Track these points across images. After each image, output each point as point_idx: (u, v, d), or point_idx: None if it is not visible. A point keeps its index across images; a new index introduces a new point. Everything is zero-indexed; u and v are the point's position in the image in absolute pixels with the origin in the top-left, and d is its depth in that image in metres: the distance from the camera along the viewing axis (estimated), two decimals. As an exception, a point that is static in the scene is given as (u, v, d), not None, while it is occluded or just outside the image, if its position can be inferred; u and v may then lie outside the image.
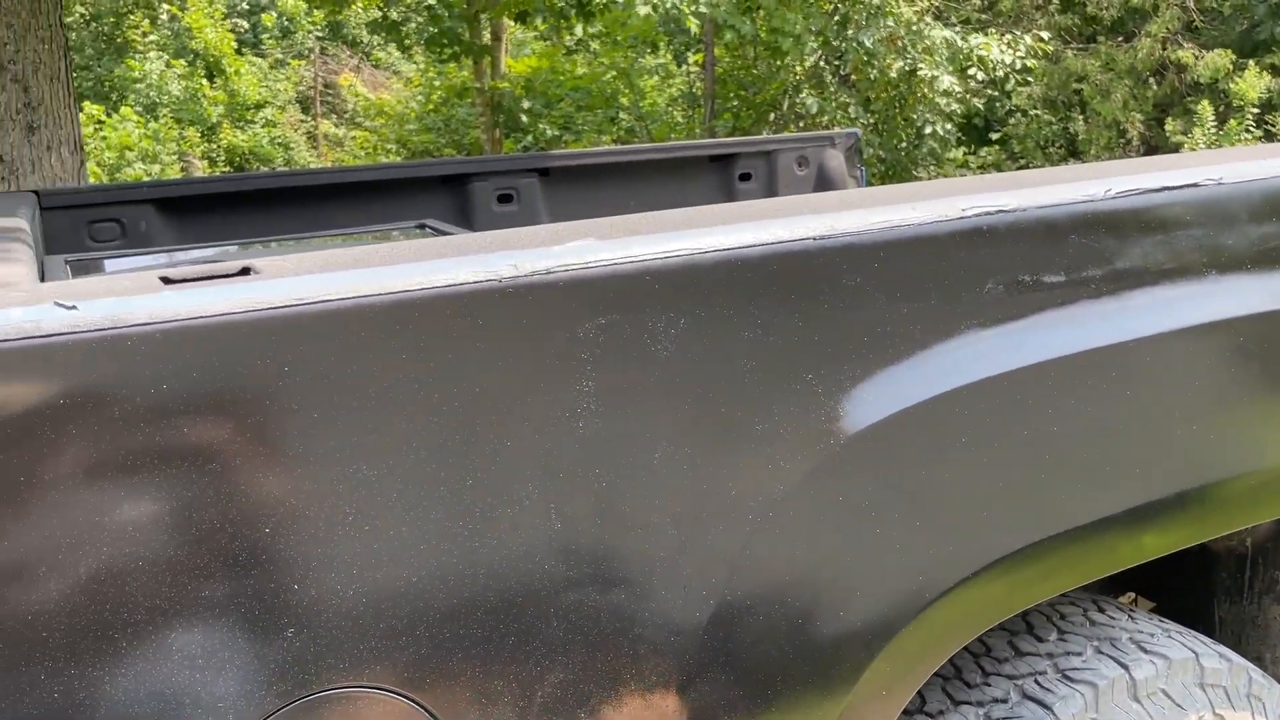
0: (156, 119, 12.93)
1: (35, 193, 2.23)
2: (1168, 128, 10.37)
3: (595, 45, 13.01)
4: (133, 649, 0.73)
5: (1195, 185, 1.18)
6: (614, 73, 12.50)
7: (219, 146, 13.40)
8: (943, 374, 1.01)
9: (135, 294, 0.73)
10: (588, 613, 0.87)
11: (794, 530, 0.95)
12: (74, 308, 0.70)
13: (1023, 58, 9.47)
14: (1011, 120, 11.30)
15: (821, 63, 9.91)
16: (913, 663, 1.01)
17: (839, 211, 1.01)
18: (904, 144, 9.90)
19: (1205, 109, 10.12)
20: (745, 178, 2.99)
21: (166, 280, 0.77)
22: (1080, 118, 10.82)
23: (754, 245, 0.94)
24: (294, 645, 0.76)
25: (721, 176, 2.98)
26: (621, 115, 13.48)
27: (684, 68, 13.86)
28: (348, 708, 0.79)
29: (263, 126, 13.77)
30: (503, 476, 0.83)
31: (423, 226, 2.33)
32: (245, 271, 0.81)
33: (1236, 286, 1.19)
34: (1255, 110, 10.20)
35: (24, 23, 3.92)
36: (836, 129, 3.13)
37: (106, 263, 2.06)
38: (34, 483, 0.69)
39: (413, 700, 0.81)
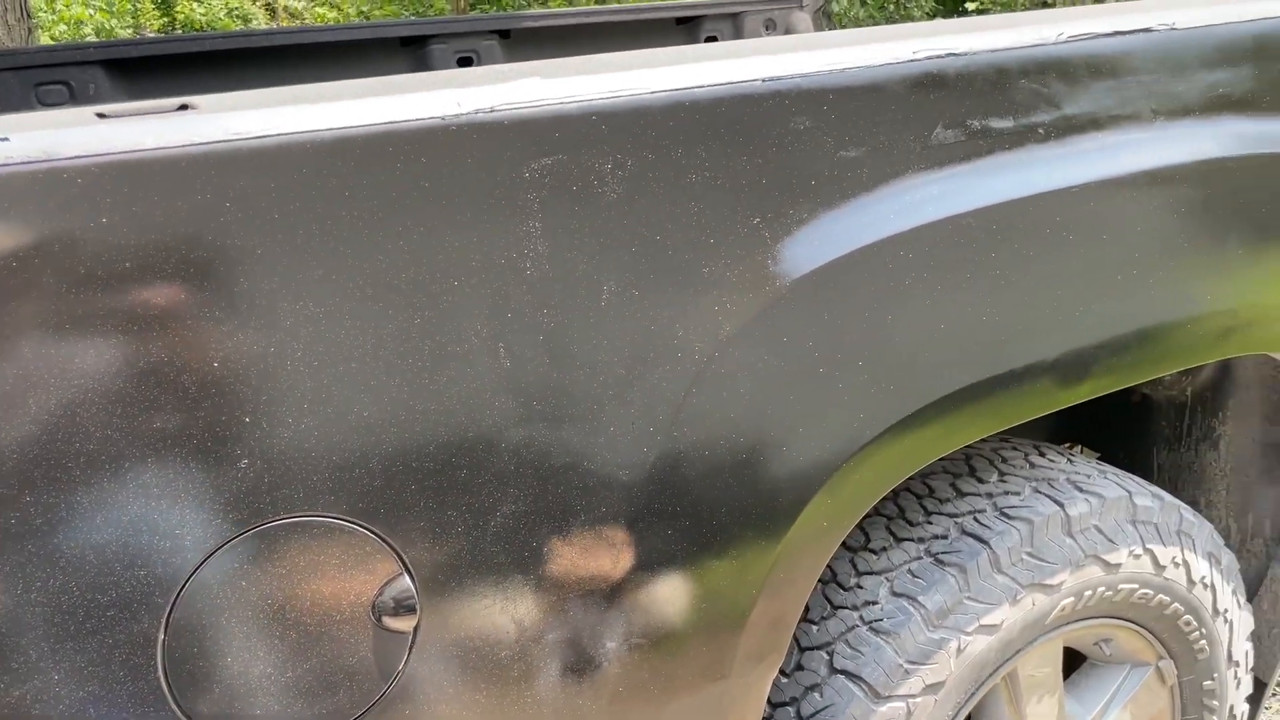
0: (109, -11, 12.40)
1: (-24, 53, 2.16)
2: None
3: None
4: (85, 482, 0.75)
5: (1148, 30, 1.18)
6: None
7: (175, 20, 12.91)
8: (889, 218, 1.02)
9: (70, 127, 0.73)
10: (538, 448, 0.90)
11: (739, 371, 0.97)
12: (6, 139, 0.69)
13: None
14: (990, -13, 11.02)
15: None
16: (851, 498, 1.05)
17: (789, 53, 1.00)
18: (890, 3, 9.67)
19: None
20: (711, 39, 2.93)
21: (101, 115, 0.76)
22: (1059, -16, 10.55)
23: (703, 86, 0.94)
24: (248, 476, 0.79)
25: (688, 39, 2.92)
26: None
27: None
28: (303, 536, 0.82)
29: (219, -2, 13.25)
30: (451, 315, 0.85)
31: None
32: (183, 108, 0.80)
33: (1185, 133, 1.20)
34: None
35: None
36: (806, -10, 3.06)
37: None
38: (-22, 316, 0.70)
39: (367, 528, 0.84)
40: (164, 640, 0.79)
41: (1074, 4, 9.84)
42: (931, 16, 10.35)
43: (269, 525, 0.81)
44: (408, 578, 0.86)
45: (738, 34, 2.95)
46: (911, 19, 9.84)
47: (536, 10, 2.75)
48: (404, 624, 0.87)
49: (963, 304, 1.06)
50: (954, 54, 1.06)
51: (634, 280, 0.92)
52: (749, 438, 0.99)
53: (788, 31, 3.01)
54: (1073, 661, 1.47)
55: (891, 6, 9.44)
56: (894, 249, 1.02)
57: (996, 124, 1.09)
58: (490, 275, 0.86)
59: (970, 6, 11.20)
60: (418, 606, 0.87)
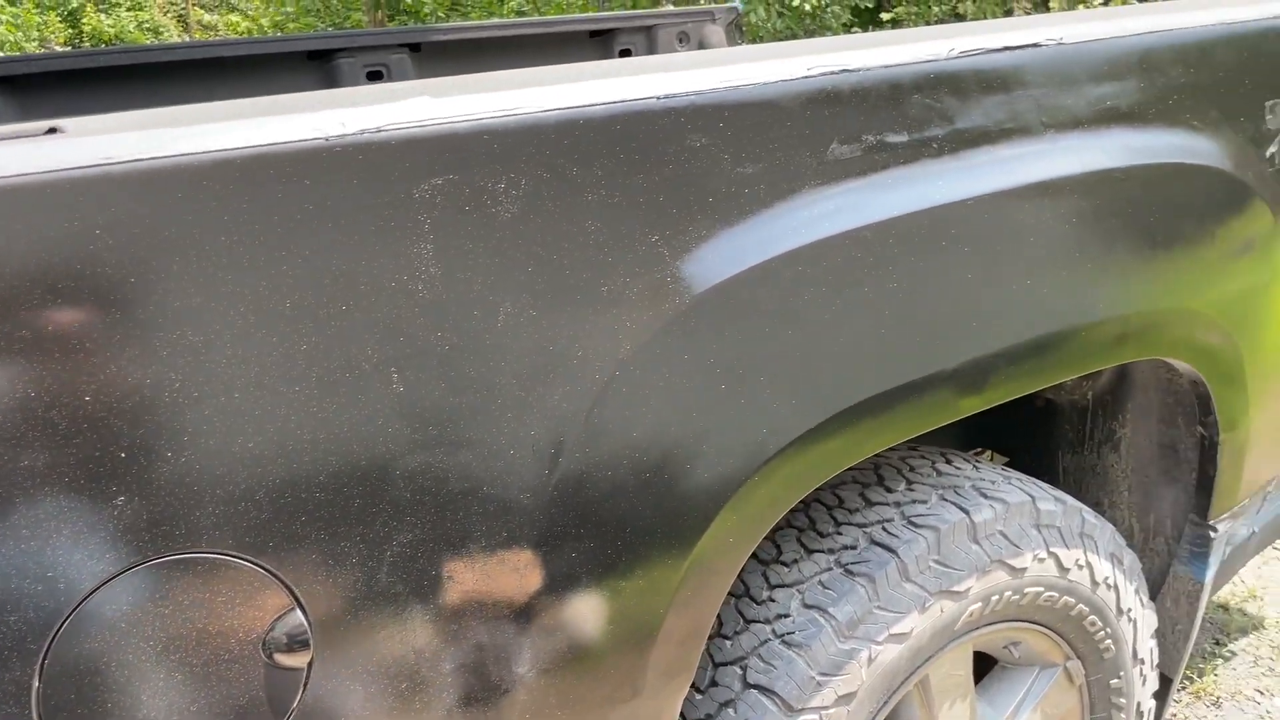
0: (15, 4, 11.99)
1: None
2: (1052, 4, 10.49)
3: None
4: (-47, 522, 0.71)
5: (1037, 45, 1.21)
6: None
7: (82, 33, 12.54)
8: (787, 234, 1.03)
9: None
10: (435, 474, 0.88)
11: (641, 389, 0.96)
12: None
13: None
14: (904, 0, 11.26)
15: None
16: (757, 513, 1.05)
17: (685, 71, 1.00)
18: (808, 14, 9.80)
19: (1091, -13, 10.25)
20: (625, 53, 2.94)
21: (-39, 140, 0.73)
22: (970, -2, 10.84)
23: (597, 104, 0.94)
24: (125, 513, 0.75)
25: (601, 52, 2.92)
26: (511, -5, 13.02)
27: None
28: (187, 574, 0.79)
29: (129, 10, 12.90)
30: (340, 341, 0.82)
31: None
32: (52, 131, 0.77)
33: (1076, 145, 1.23)
34: (1137, -11, 10.39)
35: None
36: (717, 4, 3.08)
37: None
38: None
39: (255, 562, 0.81)
40: (39, 688, 0.75)
41: (1025, 13, 10.07)
42: (848, 28, 10.54)
43: (149, 564, 0.77)
44: (300, 612, 0.83)
45: (651, 47, 2.96)
46: (829, 31, 10.01)
47: (448, 24, 2.73)
48: (297, 660, 0.84)
49: (862, 317, 1.07)
50: (847, 70, 1.07)
51: (531, 300, 0.91)
52: (653, 456, 0.98)
53: (701, 44, 3.03)
54: (984, 665, 1.50)
55: (809, 20, 9.57)
56: (793, 264, 1.03)
57: (892, 139, 1.10)
58: (381, 298, 0.84)
59: (885, 18, 11.44)
60: (311, 641, 0.84)
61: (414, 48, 2.60)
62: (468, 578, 0.91)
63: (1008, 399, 1.24)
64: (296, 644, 0.84)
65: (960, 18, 10.97)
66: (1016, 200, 1.17)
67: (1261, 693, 2.22)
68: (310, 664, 0.85)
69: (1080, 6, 9.90)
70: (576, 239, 0.93)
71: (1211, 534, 1.56)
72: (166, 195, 0.75)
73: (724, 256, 1.00)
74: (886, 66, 1.10)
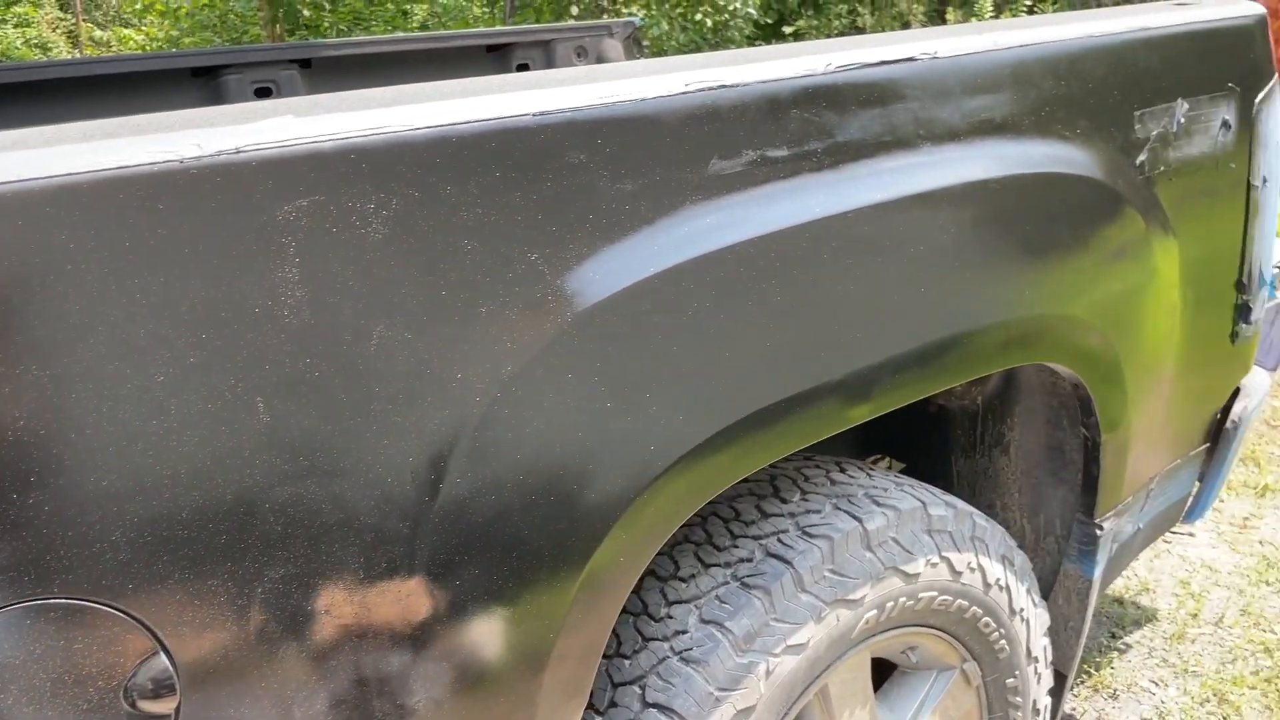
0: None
1: None
2: (948, 18, 10.81)
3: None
4: None
5: (912, 59, 1.23)
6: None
7: (-37, 47, 12.03)
8: (669, 250, 1.02)
9: None
10: (307, 506, 0.85)
11: (525, 410, 0.95)
12: None
13: None
14: (806, 13, 11.49)
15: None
16: (648, 530, 1.04)
17: (560, 87, 1.00)
18: (710, 29, 9.90)
19: (985, 0, 10.59)
20: (523, 68, 2.92)
21: None
22: (868, 11, 11.12)
23: (470, 122, 0.92)
24: (-35, 560, 0.71)
25: (498, 67, 2.90)
26: (416, 9, 12.90)
27: (483, -42, 13.31)
28: (39, 622, 0.75)
29: (15, 27, 12.41)
30: (199, 371, 0.79)
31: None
32: (-124, 157, 0.73)
33: (952, 156, 1.25)
34: (1029, 3, 10.76)
35: None
36: (617, 19, 3.09)
37: None
38: None
39: (114, 606, 0.77)
40: (-128, 752, 0.70)
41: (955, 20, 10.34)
42: (751, 41, 10.70)
43: (-6, 613, 0.73)
44: (164, 656, 0.80)
45: (549, 62, 2.95)
46: (733, 44, 10.13)
47: (340, 39, 2.68)
48: (162, 706, 0.80)
49: (747, 331, 1.07)
50: (725, 85, 1.08)
51: (406, 323, 0.89)
52: (539, 477, 0.97)
53: (600, 59, 3.03)
54: (883, 671, 1.51)
55: (713, 34, 9.68)
56: (676, 280, 1.02)
57: (772, 153, 1.11)
58: (244, 325, 0.81)
59: (788, 31, 11.66)
60: (177, 686, 0.81)
61: (304, 64, 2.54)
62: (346, 611, 0.89)
63: (895, 407, 1.25)
64: (162, 689, 0.80)
65: (860, 30, 11.24)
66: (897, 212, 1.18)
67: (1156, 683, 2.30)
68: (177, 709, 0.81)
69: (974, 19, 10.23)
70: (452, 259, 0.91)
71: (1098, 532, 1.60)
72: (6, 224, 0.71)
73: (606, 273, 0.99)
74: (764, 82, 1.11)
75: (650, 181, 1.02)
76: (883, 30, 10.92)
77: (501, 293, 0.93)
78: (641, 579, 1.31)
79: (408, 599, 0.92)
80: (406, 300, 0.89)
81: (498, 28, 2.94)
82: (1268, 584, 2.62)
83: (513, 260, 0.94)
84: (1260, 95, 1.69)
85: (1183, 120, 1.54)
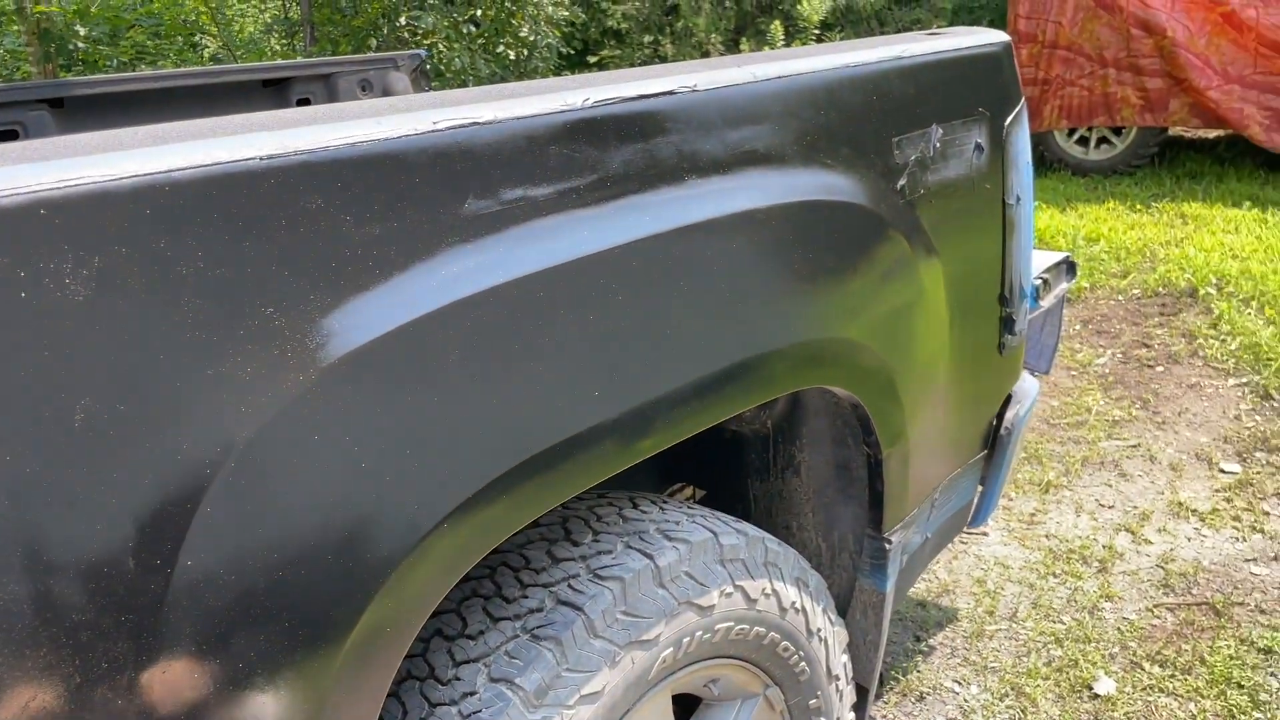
0: None
1: None
2: (742, 48, 11.21)
3: (167, -36, 11.70)
4: None
5: (672, 93, 1.23)
6: (192, -1, 11.35)
7: None
8: (423, 295, 0.97)
9: None
10: (8, 605, 0.75)
11: (267, 479, 0.87)
12: None
13: None
14: (609, 43, 11.67)
15: (422, -19, 9.58)
16: (417, 596, 0.98)
17: (298, 128, 0.93)
18: (512, 62, 9.86)
19: (776, 29, 11.03)
20: (304, 102, 2.80)
21: None
22: (668, 41, 11.40)
23: (186, 169, 0.84)
24: None
25: (277, 103, 2.77)
26: (206, 42, 12.34)
27: (278, -11, 12.89)
28: None
29: None
30: None
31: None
32: None
33: (717, 188, 1.26)
34: (816, 31, 11.30)
35: None
36: (403, 51, 3.02)
37: None
38: None
39: None
40: None
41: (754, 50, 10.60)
42: (557, 72, 10.75)
43: None
44: None
45: (331, 96, 2.84)
46: (537, 75, 10.15)
47: (98, 76, 2.49)
48: None
49: (514, 375, 1.03)
50: (479, 123, 1.04)
51: (117, 395, 0.80)
52: (286, 551, 0.89)
53: (386, 92, 2.94)
54: (688, 706, 1.50)
55: (515, 66, 9.67)
56: (433, 327, 0.97)
57: (533, 191, 1.08)
58: (-89, 409, 0.71)
59: (592, 61, 11.80)
60: None
61: (55, 103, 2.35)
62: (60, 717, 0.79)
63: (678, 440, 1.24)
64: None
65: (663, 59, 11.50)
66: (664, 246, 1.17)
67: (959, 683, 2.39)
68: None
69: (766, 48, 10.64)
70: (170, 319, 0.83)
71: (887, 545, 1.64)
72: None
73: (353, 324, 0.93)
74: (520, 119, 1.07)
75: (401, 225, 0.97)
76: (684, 59, 11.22)
77: (232, 353, 0.86)
78: (429, 640, 1.25)
79: (136, 694, 0.83)
80: (116, 370, 0.80)
81: (276, 62, 2.81)
82: (1055, 576, 2.79)
83: (243, 316, 0.87)
84: (1009, 118, 1.79)
85: (938, 145, 1.61)
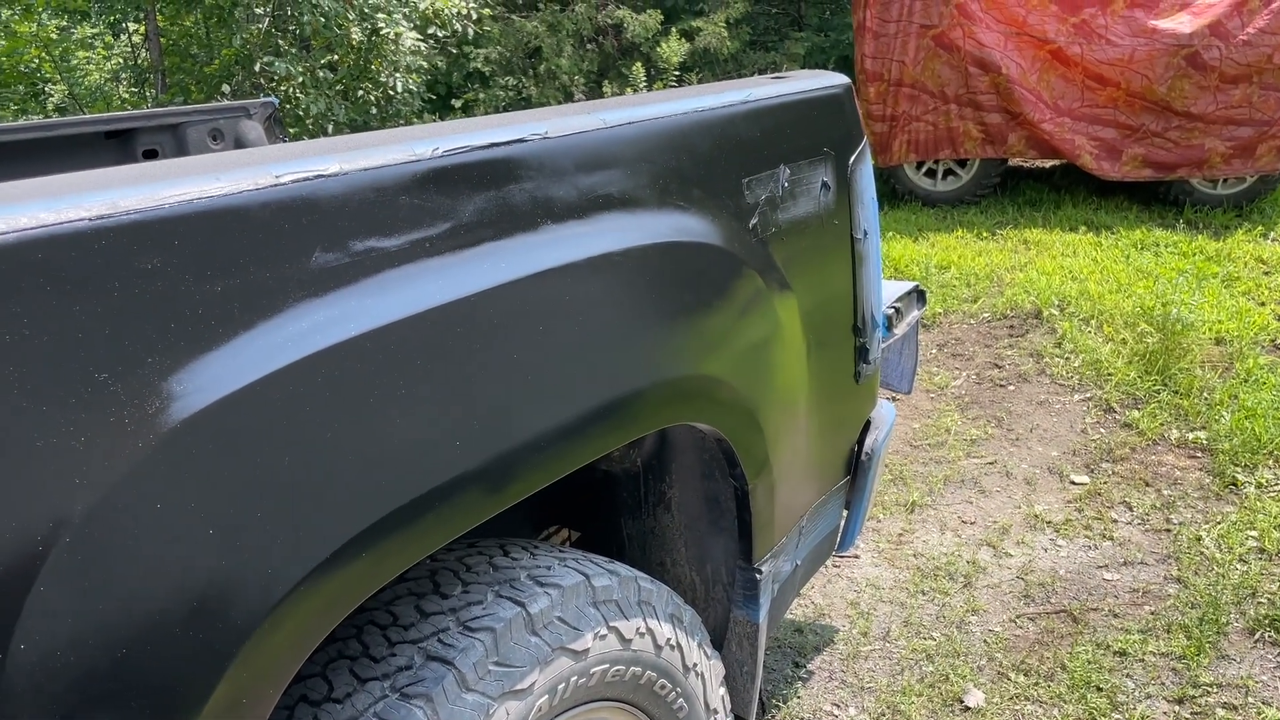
0: None
1: None
2: (605, 89, 11.38)
3: (4, 14, 11.18)
4: None
5: (523, 140, 1.24)
6: (34, 46, 10.85)
7: None
8: (270, 353, 0.95)
9: None
10: None
11: (108, 551, 0.83)
12: None
13: (477, 8, 9.78)
14: (472, 87, 11.67)
15: (273, 29, 9.40)
16: (273, 663, 0.95)
17: (130, 186, 0.90)
18: (375, 107, 9.75)
19: (638, 71, 11.25)
20: (151, 155, 2.71)
21: None
22: (532, 84, 11.47)
23: (7, 233, 0.81)
24: None
25: (121, 156, 2.67)
26: (50, 91, 11.83)
27: (125, 38, 12.46)
28: None
29: None
30: None
31: None
32: None
33: (572, 233, 1.27)
34: (677, 73, 11.57)
35: None
36: (255, 100, 2.95)
37: None
38: None
39: None
40: None
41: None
42: (421, 116, 10.68)
43: None
44: None
45: (181, 147, 2.75)
46: (401, 120, 10.06)
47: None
48: None
49: (368, 431, 1.02)
50: (324, 175, 1.02)
51: (-66, 472, 0.75)
52: (128, 628, 0.85)
53: (238, 142, 2.87)
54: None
55: (377, 109, 9.57)
56: (281, 385, 0.95)
57: (382, 243, 1.07)
58: None
59: (456, 104, 11.77)
60: None
61: None
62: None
63: (545, 484, 1.24)
64: None
65: (527, 101, 11.56)
66: (522, 291, 1.18)
67: (838, 706, 2.43)
68: None
69: (629, 90, 10.83)
70: (-5, 391, 0.79)
71: (758, 576, 1.67)
72: None
73: (195, 386, 0.90)
74: (368, 170, 1.06)
75: (244, 282, 0.95)
76: (548, 101, 11.31)
77: (63, 422, 0.82)
78: (293, 708, 1.20)
79: (-32, 798, 0.77)
80: (-65, 444, 0.75)
81: (119, 113, 2.70)
82: (924, 594, 2.88)
83: (75, 383, 0.83)
84: (853, 156, 1.87)
85: (787, 184, 1.66)
